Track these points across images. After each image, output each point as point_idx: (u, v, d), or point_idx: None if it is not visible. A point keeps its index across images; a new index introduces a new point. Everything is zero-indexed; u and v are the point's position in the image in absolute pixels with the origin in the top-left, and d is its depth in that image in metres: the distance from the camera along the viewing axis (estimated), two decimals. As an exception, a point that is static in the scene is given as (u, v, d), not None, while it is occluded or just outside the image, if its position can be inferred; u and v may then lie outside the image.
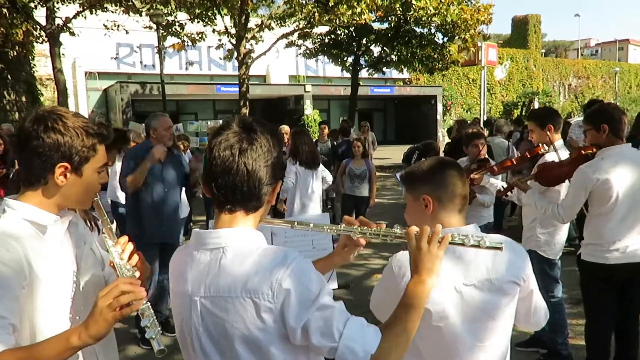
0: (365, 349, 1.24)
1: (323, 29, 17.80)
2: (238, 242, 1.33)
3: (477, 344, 1.69)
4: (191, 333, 1.36)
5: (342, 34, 18.28)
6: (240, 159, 1.31)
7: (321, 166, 5.92)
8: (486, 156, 4.59)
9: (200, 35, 16.16)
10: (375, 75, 21.72)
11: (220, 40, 16.51)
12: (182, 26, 16.02)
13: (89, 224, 2.62)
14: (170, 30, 15.83)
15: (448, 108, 31.38)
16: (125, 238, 1.54)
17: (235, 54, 15.78)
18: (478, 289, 1.65)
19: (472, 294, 1.64)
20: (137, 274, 1.49)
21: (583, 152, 3.29)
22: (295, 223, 1.58)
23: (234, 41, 15.59)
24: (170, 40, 16.43)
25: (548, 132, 3.71)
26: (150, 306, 1.42)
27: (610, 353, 3.34)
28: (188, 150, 8.17)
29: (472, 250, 1.62)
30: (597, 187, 3.06)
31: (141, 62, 24.48)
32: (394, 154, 18.55)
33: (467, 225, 1.73)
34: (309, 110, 24.79)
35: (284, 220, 1.64)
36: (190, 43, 16.40)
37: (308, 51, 19.25)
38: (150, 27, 15.24)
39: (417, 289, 1.39)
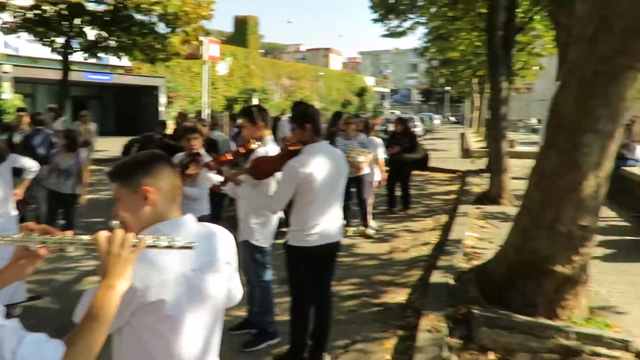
0: None
1: (26, 2, 15.58)
2: None
3: (204, 331, 1.73)
4: None
5: (50, 10, 16.27)
6: None
7: (13, 156, 5.04)
8: (198, 150, 4.71)
9: None
10: (91, 61, 20.00)
11: None
12: None
13: None
14: None
15: (172, 100, 31.06)
16: None
17: None
18: (203, 272, 1.68)
19: (200, 278, 1.67)
20: None
21: (290, 148, 3.64)
22: None
23: None
24: None
25: (259, 128, 4.01)
26: None
27: (309, 325, 3.76)
28: None
29: (194, 235, 1.66)
30: (303, 180, 3.41)
31: None
32: (112, 145, 17.41)
33: (185, 215, 1.75)
34: (7, 94, 21.32)
35: None
36: None
37: (7, 26, 16.58)
38: None
39: (107, 295, 1.36)
